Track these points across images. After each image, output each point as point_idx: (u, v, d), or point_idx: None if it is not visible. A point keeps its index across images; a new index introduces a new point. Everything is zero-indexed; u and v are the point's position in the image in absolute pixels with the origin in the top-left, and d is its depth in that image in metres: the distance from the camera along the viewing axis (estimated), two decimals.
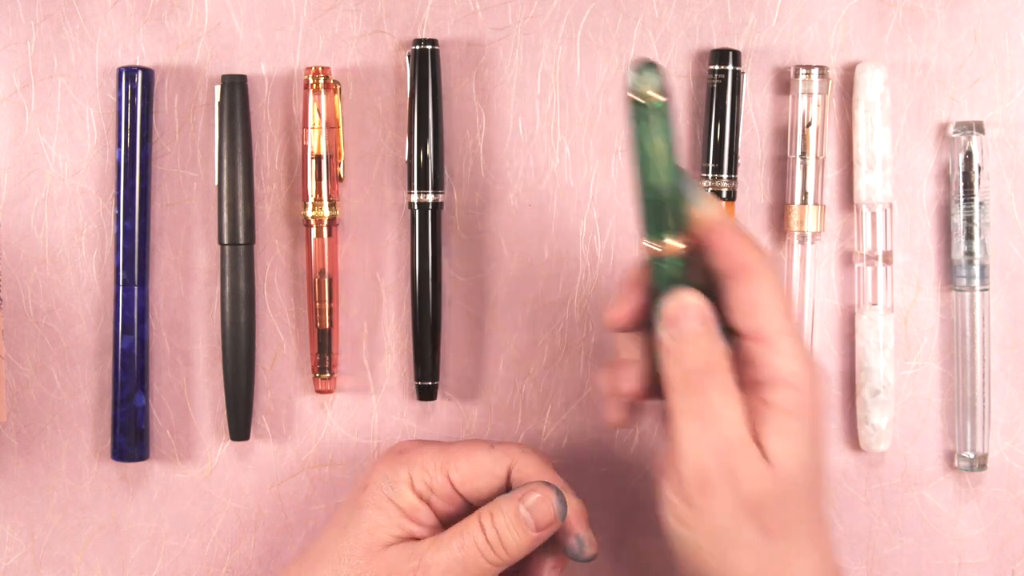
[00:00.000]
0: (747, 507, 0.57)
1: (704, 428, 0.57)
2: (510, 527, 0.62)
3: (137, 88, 0.70)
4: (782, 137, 0.71)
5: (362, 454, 0.71)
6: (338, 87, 0.70)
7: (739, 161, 0.71)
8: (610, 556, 0.71)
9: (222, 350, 0.70)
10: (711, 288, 0.59)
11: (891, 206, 0.71)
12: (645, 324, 0.60)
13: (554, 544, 0.64)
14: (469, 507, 0.64)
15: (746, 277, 0.58)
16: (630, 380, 0.61)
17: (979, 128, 0.70)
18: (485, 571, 0.62)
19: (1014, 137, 0.71)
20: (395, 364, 0.71)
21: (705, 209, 0.58)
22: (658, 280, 0.58)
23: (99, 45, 0.71)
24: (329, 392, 0.71)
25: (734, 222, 0.61)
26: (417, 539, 0.63)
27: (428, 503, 0.64)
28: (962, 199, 0.70)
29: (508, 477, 0.64)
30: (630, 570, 0.72)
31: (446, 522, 0.64)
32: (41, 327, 0.71)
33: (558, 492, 0.62)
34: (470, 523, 0.62)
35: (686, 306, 0.58)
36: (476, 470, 0.64)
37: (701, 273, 0.59)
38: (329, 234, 0.70)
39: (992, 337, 0.71)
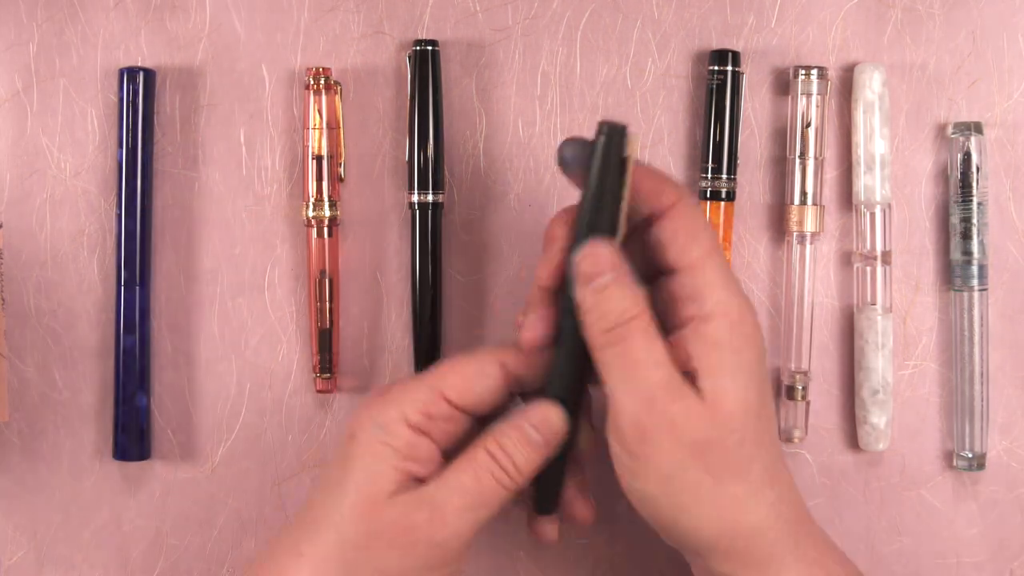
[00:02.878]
0: (690, 451, 0.57)
1: (632, 378, 0.57)
2: (519, 449, 0.60)
3: (138, 89, 0.70)
4: (781, 137, 0.71)
5: None
6: (339, 88, 0.70)
7: (738, 161, 0.71)
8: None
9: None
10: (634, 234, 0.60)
11: (890, 206, 0.71)
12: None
13: (575, 465, 0.64)
14: (471, 422, 0.62)
15: (670, 210, 0.59)
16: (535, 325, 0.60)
17: (977, 129, 0.71)
18: (501, 498, 0.60)
19: (1012, 138, 0.72)
20: (395, 364, 0.71)
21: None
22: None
23: (101, 46, 0.71)
24: (330, 392, 0.71)
25: (648, 165, 0.61)
26: (419, 479, 0.60)
27: (428, 434, 0.60)
28: (960, 199, 0.71)
29: (503, 374, 0.61)
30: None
31: (446, 450, 0.61)
32: (43, 327, 0.71)
33: (556, 406, 0.61)
34: (476, 455, 0.60)
35: (597, 258, 0.58)
36: (468, 377, 0.61)
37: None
38: (330, 234, 0.70)
39: (990, 337, 0.71)
